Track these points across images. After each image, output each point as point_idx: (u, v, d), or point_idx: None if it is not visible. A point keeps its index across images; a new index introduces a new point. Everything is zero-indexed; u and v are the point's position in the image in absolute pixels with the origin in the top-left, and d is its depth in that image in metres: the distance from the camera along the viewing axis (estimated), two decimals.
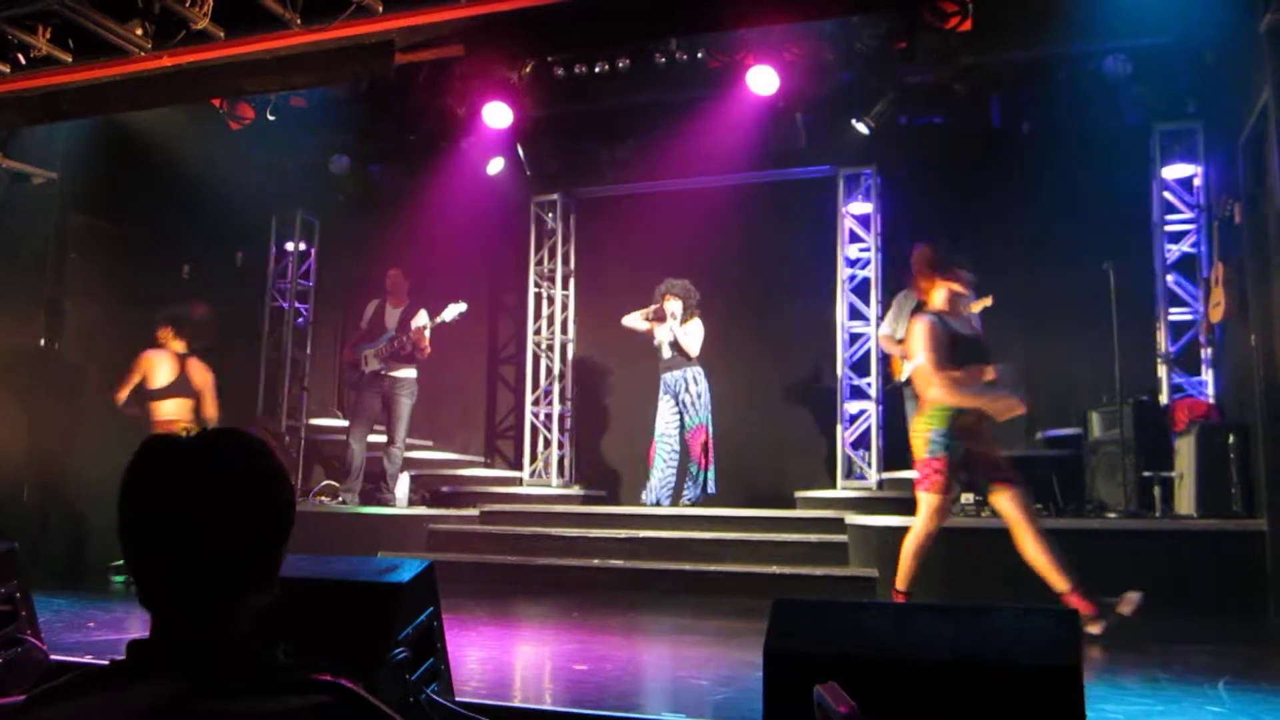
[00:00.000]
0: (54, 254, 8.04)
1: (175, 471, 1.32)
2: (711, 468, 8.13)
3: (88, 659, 3.80)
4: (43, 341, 7.92)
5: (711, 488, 8.10)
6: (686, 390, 8.25)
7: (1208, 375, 7.38)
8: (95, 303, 8.24)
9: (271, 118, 8.39)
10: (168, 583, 1.30)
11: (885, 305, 8.32)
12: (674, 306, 8.21)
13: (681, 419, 8.24)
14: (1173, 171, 7.64)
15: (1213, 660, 4.53)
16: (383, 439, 8.75)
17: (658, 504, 8.13)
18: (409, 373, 8.67)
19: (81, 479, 7.66)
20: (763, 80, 7.49)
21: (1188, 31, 6.76)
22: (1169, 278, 7.58)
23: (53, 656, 3.52)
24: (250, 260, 9.95)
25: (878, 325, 8.38)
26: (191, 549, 1.29)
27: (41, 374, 7.90)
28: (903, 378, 7.46)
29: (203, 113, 8.13)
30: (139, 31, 5.79)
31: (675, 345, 8.25)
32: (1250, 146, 6.06)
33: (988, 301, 6.99)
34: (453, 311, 8.50)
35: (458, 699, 3.26)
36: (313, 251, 10.22)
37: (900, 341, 7.45)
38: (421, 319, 8.57)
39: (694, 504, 8.03)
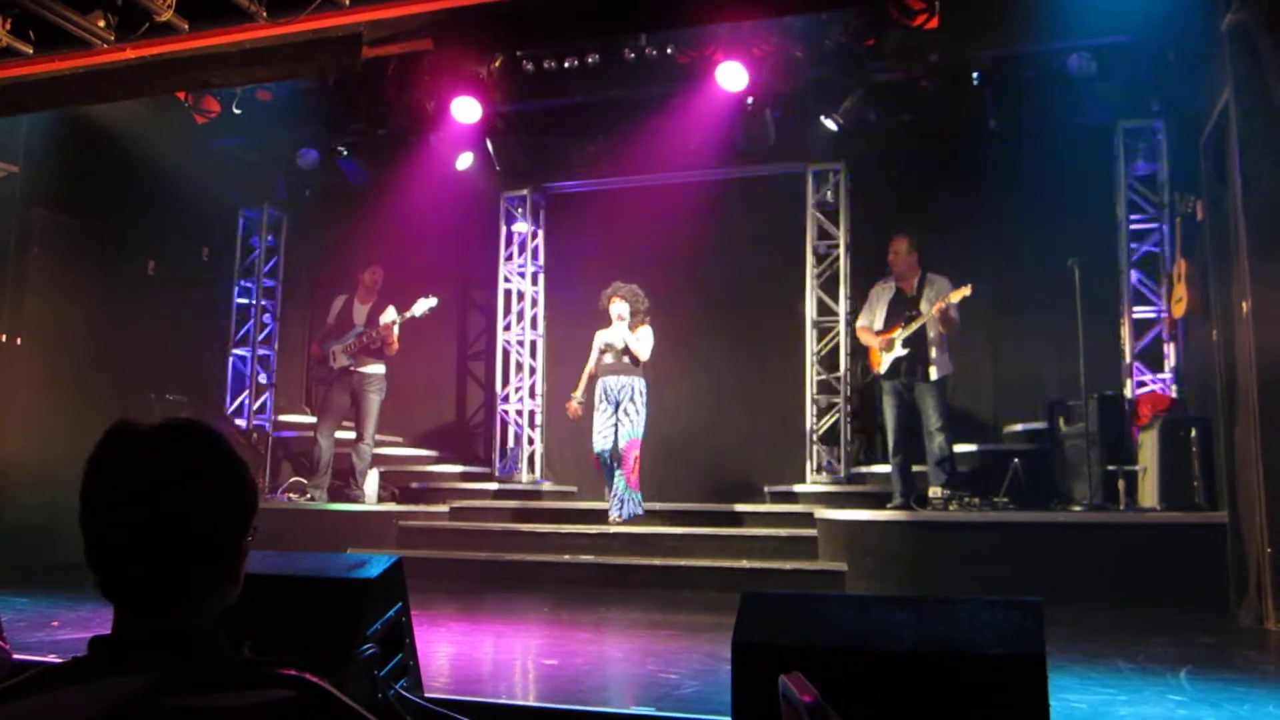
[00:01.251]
0: (16, 248, 7.93)
1: (134, 461, 1.31)
2: (639, 491, 7.53)
3: (52, 658, 3.76)
4: (4, 336, 7.81)
5: (640, 509, 7.50)
6: (631, 400, 7.63)
7: (1170, 370, 7.48)
8: (59, 297, 8.14)
9: (237, 111, 8.32)
10: (129, 574, 1.29)
11: (854, 300, 8.36)
12: (620, 309, 7.67)
13: (616, 430, 7.60)
14: (1136, 169, 7.73)
15: (1175, 650, 4.59)
16: (351, 435, 8.70)
17: (633, 518, 7.47)
18: (378, 369, 8.62)
19: (45, 475, 7.56)
20: (732, 76, 7.51)
21: (1150, 30, 6.85)
22: (1133, 274, 7.67)
23: (16, 656, 3.47)
24: (217, 255, 9.86)
25: (846, 321, 8.43)
26: (151, 538, 1.28)
27: (3, 369, 7.79)
28: (882, 370, 7.38)
29: (167, 106, 8.06)
30: (101, 23, 5.71)
31: (625, 350, 7.68)
32: (1212, 144, 6.15)
33: (966, 291, 6.99)
34: (423, 306, 8.45)
35: (427, 695, 3.25)
36: (280, 246, 10.14)
37: (879, 333, 7.42)
38: (390, 315, 8.51)
39: (626, 522, 7.47)
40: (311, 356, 9.36)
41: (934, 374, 7.18)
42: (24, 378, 7.89)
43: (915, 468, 7.32)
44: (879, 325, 7.44)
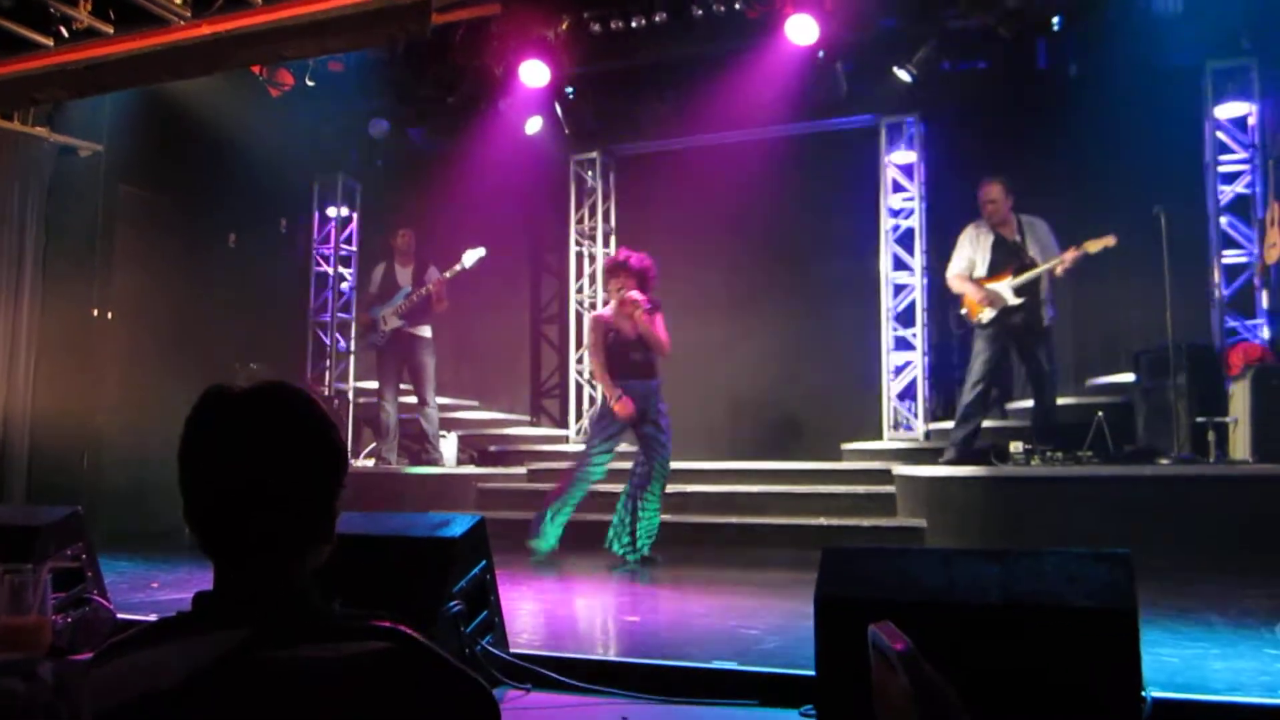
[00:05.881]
0: (103, 225, 8.16)
1: (230, 422, 1.34)
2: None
3: (153, 617, 3.90)
4: (95, 311, 8.06)
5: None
6: (659, 411, 6.17)
7: (1263, 318, 7.22)
8: (145, 272, 8.38)
9: (310, 83, 8.44)
10: (227, 531, 1.33)
11: (932, 254, 8.22)
12: (635, 291, 6.18)
13: (650, 454, 6.19)
14: (1226, 110, 7.43)
15: (1269, 604, 4.48)
16: (414, 399, 8.84)
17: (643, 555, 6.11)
18: (429, 330, 8.78)
19: (137, 444, 7.82)
20: (802, 29, 7.37)
21: None
22: (1222, 219, 7.39)
23: (119, 615, 3.62)
24: (294, 226, 10.04)
25: (923, 275, 8.29)
26: (248, 497, 1.31)
27: (95, 343, 8.05)
28: (984, 319, 6.99)
29: (243, 80, 8.19)
30: (178, 1, 5.82)
31: (642, 342, 6.12)
32: None
33: (1110, 241, 6.67)
34: (472, 257, 8.47)
35: (512, 650, 3.31)
36: (354, 216, 10.28)
37: (983, 280, 7.01)
38: (433, 274, 8.62)
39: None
40: (360, 325, 9.49)
41: (1047, 321, 6.94)
42: (115, 351, 8.14)
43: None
44: (982, 271, 7.09)
